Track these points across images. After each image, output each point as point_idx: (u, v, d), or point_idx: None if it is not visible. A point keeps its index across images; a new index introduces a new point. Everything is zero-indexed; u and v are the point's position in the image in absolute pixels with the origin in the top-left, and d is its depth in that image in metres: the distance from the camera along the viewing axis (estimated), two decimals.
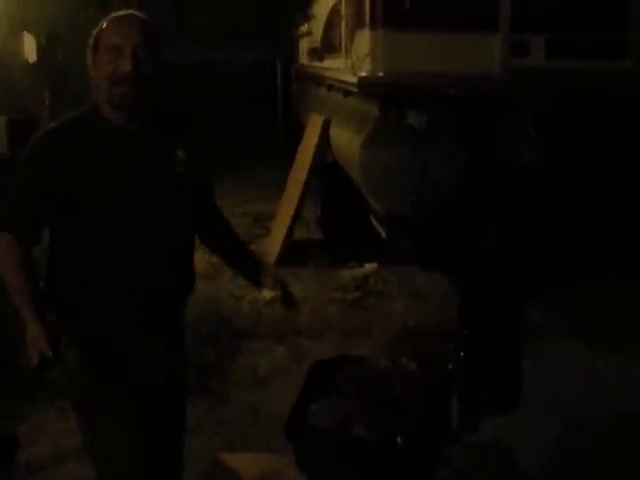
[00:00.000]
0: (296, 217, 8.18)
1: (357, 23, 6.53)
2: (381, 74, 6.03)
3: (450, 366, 2.81)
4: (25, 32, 10.26)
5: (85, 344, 2.59)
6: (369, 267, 7.56)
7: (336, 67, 7.57)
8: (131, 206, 2.61)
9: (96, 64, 2.62)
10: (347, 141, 6.84)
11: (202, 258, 6.91)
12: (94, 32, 2.65)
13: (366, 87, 6.25)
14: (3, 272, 2.62)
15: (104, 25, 2.64)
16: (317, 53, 9.14)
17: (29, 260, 2.63)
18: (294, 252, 8.04)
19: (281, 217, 8.56)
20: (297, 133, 9.64)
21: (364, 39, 6.22)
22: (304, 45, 10.90)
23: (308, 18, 10.21)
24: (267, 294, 2.91)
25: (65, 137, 2.62)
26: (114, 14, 2.68)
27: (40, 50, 10.39)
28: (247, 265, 3.06)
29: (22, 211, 2.63)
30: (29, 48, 10.31)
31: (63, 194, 2.56)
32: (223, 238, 3.08)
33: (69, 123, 2.67)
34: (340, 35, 7.31)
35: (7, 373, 5.03)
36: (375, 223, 7.22)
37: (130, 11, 2.70)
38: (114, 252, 2.61)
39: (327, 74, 8.30)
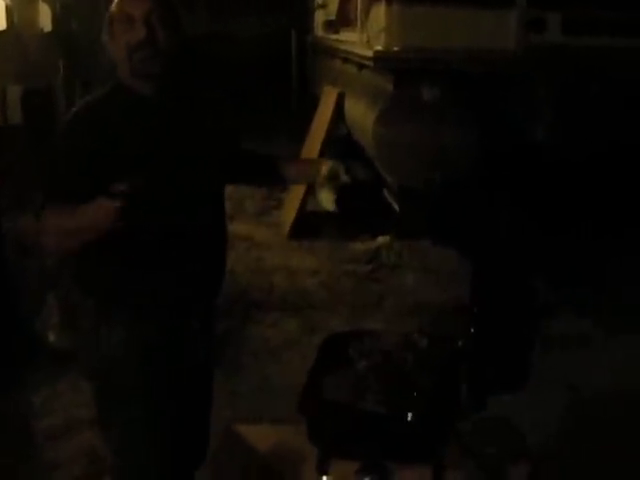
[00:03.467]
0: (309, 189, 8.19)
1: None
2: (396, 48, 6.03)
3: (460, 343, 2.85)
4: (40, 0, 10.24)
5: (122, 330, 2.63)
6: (382, 240, 7.58)
7: (351, 40, 7.56)
8: (165, 177, 2.50)
9: (113, 38, 2.59)
10: (361, 115, 6.86)
11: None
12: (109, 10, 2.61)
13: (381, 61, 6.25)
14: (58, 227, 2.54)
15: None
16: (332, 25, 9.12)
17: None
18: (307, 224, 8.05)
19: (294, 189, 8.58)
20: (311, 105, 9.64)
21: (380, 13, 6.21)
22: (319, 17, 10.86)
23: None
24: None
25: (94, 114, 2.59)
26: None
27: (55, 19, 10.37)
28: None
29: (63, 191, 2.54)
30: (44, 17, 10.28)
31: (99, 170, 2.48)
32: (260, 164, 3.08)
33: (96, 100, 2.64)
34: (356, 8, 7.30)
35: (21, 344, 5.10)
36: (388, 197, 7.25)
37: None
38: (149, 225, 2.50)
39: (342, 47, 8.29)
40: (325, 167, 2.83)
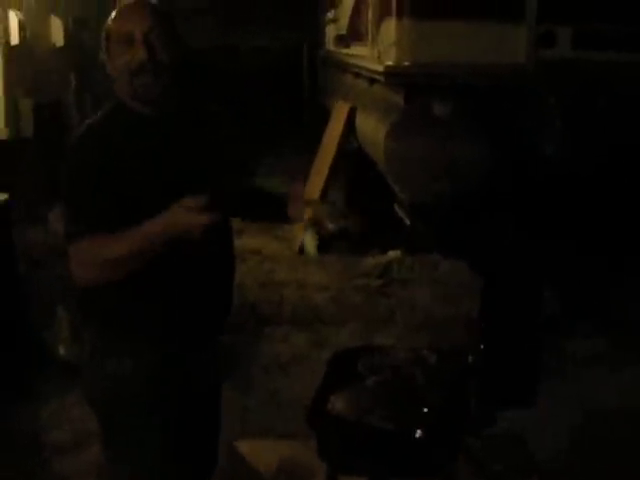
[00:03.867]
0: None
1: (383, 11, 6.52)
2: (407, 63, 6.02)
3: (470, 358, 2.84)
4: (53, 15, 10.31)
5: (127, 357, 2.60)
6: (392, 254, 7.58)
7: (362, 55, 7.56)
8: (170, 197, 2.43)
9: (111, 58, 2.53)
10: (372, 129, 6.86)
11: None
12: (105, 27, 2.56)
13: (392, 76, 6.24)
14: (117, 251, 2.43)
15: (113, 16, 2.55)
16: (344, 40, 9.14)
17: None
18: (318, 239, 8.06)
19: None
20: (323, 119, 9.65)
21: (390, 28, 6.21)
22: (331, 31, 10.88)
23: (335, 4, 10.19)
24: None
25: (101, 134, 2.53)
26: (123, 3, 2.59)
27: (67, 34, 10.44)
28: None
29: (94, 212, 2.47)
30: (56, 32, 10.34)
31: (109, 190, 2.45)
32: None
33: (101, 119, 2.59)
34: (367, 23, 7.30)
35: (32, 356, 5.10)
36: (399, 211, 7.23)
37: None
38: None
39: (353, 61, 8.29)
40: (309, 211, 2.77)
